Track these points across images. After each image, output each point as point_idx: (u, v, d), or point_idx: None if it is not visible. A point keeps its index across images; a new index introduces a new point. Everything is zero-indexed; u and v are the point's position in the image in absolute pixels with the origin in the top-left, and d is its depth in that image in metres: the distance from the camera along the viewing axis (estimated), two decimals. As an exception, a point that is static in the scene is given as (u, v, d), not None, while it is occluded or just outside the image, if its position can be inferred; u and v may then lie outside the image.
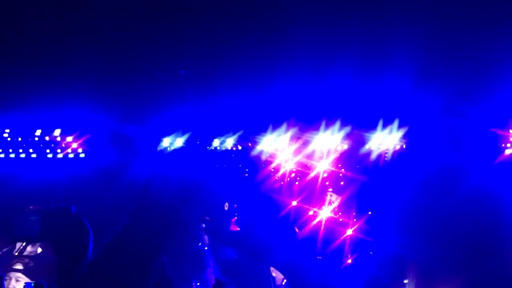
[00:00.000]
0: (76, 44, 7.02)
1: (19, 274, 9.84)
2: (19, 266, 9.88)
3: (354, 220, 9.61)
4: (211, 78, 7.37)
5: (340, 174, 9.82)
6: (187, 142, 7.93)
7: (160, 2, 6.45)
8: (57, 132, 9.70)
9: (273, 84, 8.11)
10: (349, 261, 9.44)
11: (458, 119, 8.70)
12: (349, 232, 9.52)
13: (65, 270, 2.82)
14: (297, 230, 9.29)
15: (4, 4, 6.28)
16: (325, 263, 8.76)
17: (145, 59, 7.07)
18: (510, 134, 9.02)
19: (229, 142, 9.66)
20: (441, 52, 7.75)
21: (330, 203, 9.76)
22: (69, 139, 9.75)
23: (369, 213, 9.60)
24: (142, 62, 7.11)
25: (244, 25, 6.81)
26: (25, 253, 10.03)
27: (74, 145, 9.77)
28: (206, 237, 10.01)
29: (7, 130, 9.67)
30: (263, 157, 9.73)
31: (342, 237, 9.48)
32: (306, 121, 9.30)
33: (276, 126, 9.32)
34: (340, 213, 9.74)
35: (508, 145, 9.06)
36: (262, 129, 9.42)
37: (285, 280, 9.09)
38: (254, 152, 9.71)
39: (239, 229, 9.14)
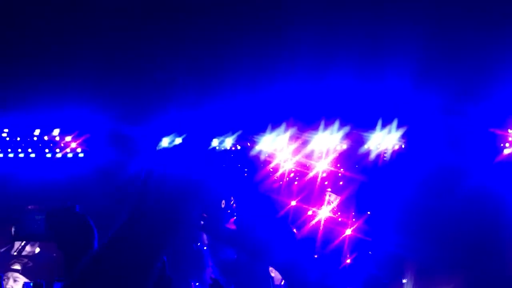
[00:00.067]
0: (75, 44, 7.01)
1: (17, 274, 9.84)
2: (17, 266, 9.87)
3: (353, 220, 9.61)
4: (210, 78, 7.36)
5: (339, 174, 9.83)
6: (186, 140, 7.91)
7: (160, 2, 6.43)
8: (56, 131, 9.69)
9: (272, 84, 8.11)
10: (348, 261, 9.44)
11: (457, 119, 8.70)
12: (348, 232, 9.52)
13: (71, 268, 2.82)
14: (294, 230, 9.29)
15: (4, 4, 6.26)
16: (324, 263, 8.75)
17: (145, 59, 7.06)
18: (509, 134, 9.03)
19: (228, 142, 9.66)
20: (440, 51, 7.75)
21: (329, 203, 9.76)
22: (68, 138, 9.74)
23: (368, 213, 9.60)
24: (142, 62, 7.10)
25: (244, 25, 6.80)
26: (23, 253, 10.03)
27: (73, 145, 9.76)
28: (205, 237, 10.00)
29: (6, 130, 9.66)
30: (262, 157, 9.73)
31: (341, 237, 9.48)
32: (305, 121, 9.30)
33: (275, 125, 9.32)
34: (339, 213, 9.74)
35: (507, 144, 9.07)
36: (261, 129, 9.42)
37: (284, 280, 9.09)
38: (253, 152, 9.70)
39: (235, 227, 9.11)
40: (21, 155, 9.72)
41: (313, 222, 9.56)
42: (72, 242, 3.02)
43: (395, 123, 9.18)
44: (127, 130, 8.91)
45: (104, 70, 7.33)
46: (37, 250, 10.01)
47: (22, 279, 9.67)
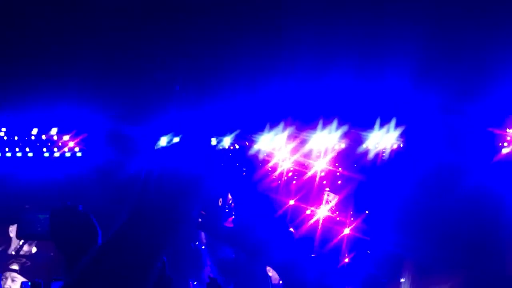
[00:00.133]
0: (74, 43, 6.99)
1: (16, 274, 9.83)
2: (15, 266, 9.86)
3: (352, 219, 9.63)
4: (210, 77, 7.35)
5: (338, 173, 9.83)
6: (185, 138, 7.89)
7: (160, 2, 6.43)
8: (53, 131, 9.67)
9: (270, 83, 8.11)
10: (346, 260, 9.46)
11: (455, 118, 8.72)
12: (347, 231, 9.53)
13: (73, 268, 2.82)
14: (292, 230, 9.30)
15: (4, 4, 6.24)
16: (322, 262, 8.76)
17: (145, 59, 7.05)
18: (507, 133, 9.05)
19: (227, 141, 9.66)
20: (437, 51, 7.75)
21: (327, 202, 9.77)
22: (66, 138, 9.73)
23: (367, 212, 9.62)
24: (142, 62, 7.09)
25: (243, 25, 6.80)
26: (21, 253, 10.02)
27: (71, 144, 9.74)
28: (203, 236, 10.00)
29: (4, 129, 9.63)
30: (261, 156, 9.73)
31: (339, 236, 9.50)
32: (304, 120, 9.30)
33: (273, 125, 9.32)
34: (337, 212, 9.76)
35: (506, 144, 9.09)
36: (259, 128, 9.42)
37: (282, 280, 9.08)
38: (252, 151, 9.71)
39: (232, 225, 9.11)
40: (19, 154, 9.70)
41: (312, 221, 9.57)
42: (76, 241, 3.01)
43: (393, 122, 9.18)
44: (126, 129, 8.90)
45: (104, 70, 7.33)
46: (34, 249, 10.01)
47: (20, 279, 9.66)
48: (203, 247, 10.00)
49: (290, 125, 9.27)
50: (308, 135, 9.43)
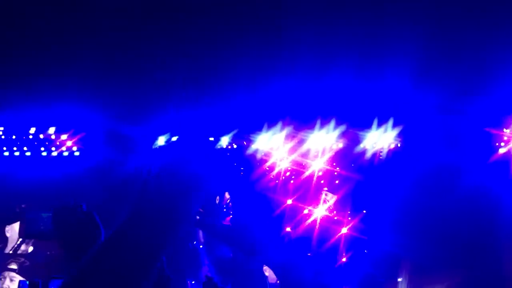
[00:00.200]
0: (74, 43, 6.99)
1: (14, 274, 9.81)
2: (14, 266, 9.85)
3: (349, 218, 9.64)
4: (210, 77, 7.36)
5: (335, 173, 9.84)
6: (184, 137, 7.89)
7: (160, 2, 6.43)
8: (51, 130, 9.66)
9: (268, 83, 8.11)
10: (344, 259, 9.47)
11: (452, 118, 8.73)
12: (344, 230, 9.54)
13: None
14: (289, 229, 9.30)
15: (4, 4, 6.24)
16: (320, 262, 8.77)
17: (144, 59, 7.05)
18: (504, 133, 9.06)
19: (224, 141, 9.65)
20: (436, 51, 7.76)
21: (325, 202, 9.78)
22: (64, 137, 9.72)
23: (364, 211, 9.62)
24: (142, 62, 7.09)
25: (243, 25, 6.80)
26: (19, 252, 10.01)
27: (69, 143, 9.74)
28: (201, 235, 10.00)
29: (1, 128, 9.63)
30: (258, 156, 9.73)
31: (337, 236, 9.50)
32: (301, 120, 9.30)
33: (271, 124, 9.32)
34: (335, 212, 9.76)
35: (503, 144, 9.10)
36: (257, 128, 9.42)
37: (279, 279, 9.09)
38: (249, 151, 9.70)
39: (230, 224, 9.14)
40: (17, 153, 9.69)
41: (309, 221, 9.58)
42: (79, 240, 3.02)
43: (391, 122, 9.19)
44: (124, 129, 8.89)
45: (103, 70, 7.32)
46: (31, 248, 9.99)
47: (19, 278, 9.65)
48: (201, 246, 10.00)
49: (288, 124, 9.27)
50: (306, 134, 9.43)
